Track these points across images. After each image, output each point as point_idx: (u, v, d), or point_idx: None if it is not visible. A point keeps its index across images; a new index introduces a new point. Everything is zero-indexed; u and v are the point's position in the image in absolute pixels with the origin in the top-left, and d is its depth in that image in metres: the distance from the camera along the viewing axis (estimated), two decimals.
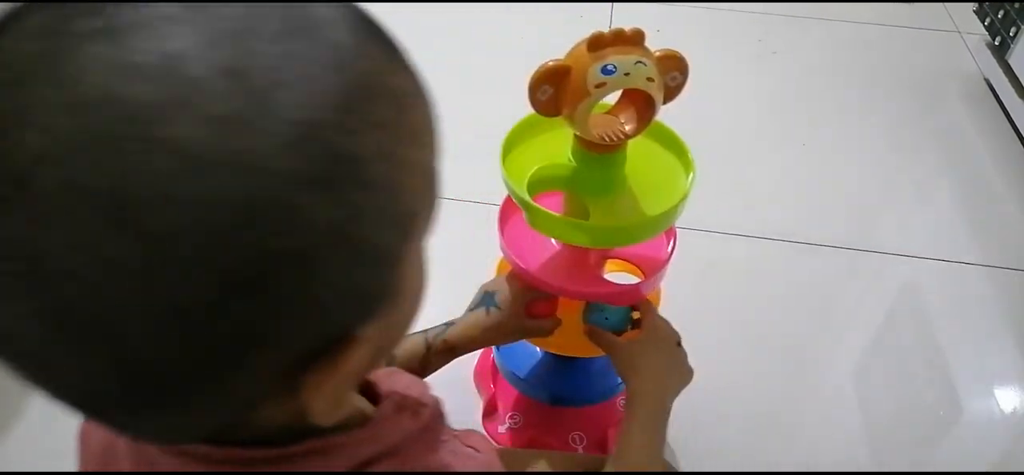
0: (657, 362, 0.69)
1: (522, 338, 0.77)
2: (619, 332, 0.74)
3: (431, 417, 0.40)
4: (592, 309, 0.75)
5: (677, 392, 0.70)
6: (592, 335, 0.74)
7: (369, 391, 0.41)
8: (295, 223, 0.25)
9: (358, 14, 0.29)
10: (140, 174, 0.22)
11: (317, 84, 0.26)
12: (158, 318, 0.24)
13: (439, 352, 0.70)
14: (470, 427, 0.52)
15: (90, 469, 0.41)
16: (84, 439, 0.42)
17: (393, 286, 0.31)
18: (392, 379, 0.41)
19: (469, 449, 0.44)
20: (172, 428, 0.30)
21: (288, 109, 0.24)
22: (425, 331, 0.71)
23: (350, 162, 0.26)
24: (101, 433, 0.40)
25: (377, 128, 0.27)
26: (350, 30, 0.28)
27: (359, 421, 0.38)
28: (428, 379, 0.66)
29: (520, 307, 0.73)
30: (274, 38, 0.25)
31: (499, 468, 0.50)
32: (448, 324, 0.72)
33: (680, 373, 0.71)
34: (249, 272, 0.24)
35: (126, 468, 0.38)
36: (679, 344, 0.71)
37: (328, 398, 0.30)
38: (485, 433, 0.95)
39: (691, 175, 0.67)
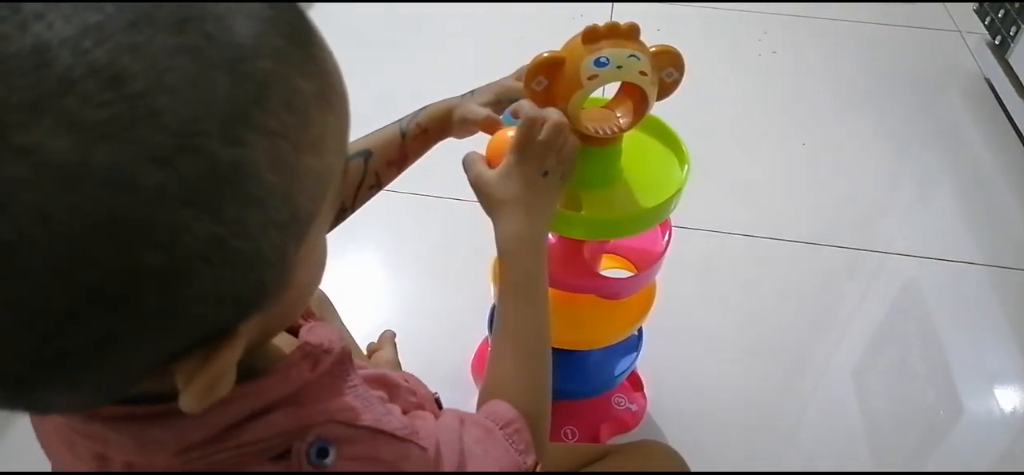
0: (518, 194, 0.56)
1: (481, 119, 0.64)
2: None
3: (333, 364, 0.39)
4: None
5: (543, 223, 0.59)
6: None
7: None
8: (164, 242, 0.23)
9: (270, 3, 0.26)
10: None
11: (204, 88, 0.23)
12: (3, 327, 0.23)
13: (415, 137, 0.66)
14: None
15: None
16: None
17: (279, 284, 0.29)
18: (310, 333, 0.40)
19: (377, 392, 0.42)
20: (40, 408, 0.29)
21: (167, 117, 0.22)
22: (399, 120, 0.67)
23: (234, 176, 0.24)
24: None
25: (273, 137, 0.25)
26: (254, 21, 0.25)
27: (269, 364, 0.36)
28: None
29: (496, 89, 0.66)
30: (164, 30, 0.23)
31: (426, 413, 0.48)
32: (419, 110, 0.67)
33: (543, 206, 0.58)
34: (110, 289, 0.23)
35: (49, 430, 0.38)
36: (546, 174, 0.57)
37: (197, 394, 0.28)
38: None
39: (686, 168, 0.67)
